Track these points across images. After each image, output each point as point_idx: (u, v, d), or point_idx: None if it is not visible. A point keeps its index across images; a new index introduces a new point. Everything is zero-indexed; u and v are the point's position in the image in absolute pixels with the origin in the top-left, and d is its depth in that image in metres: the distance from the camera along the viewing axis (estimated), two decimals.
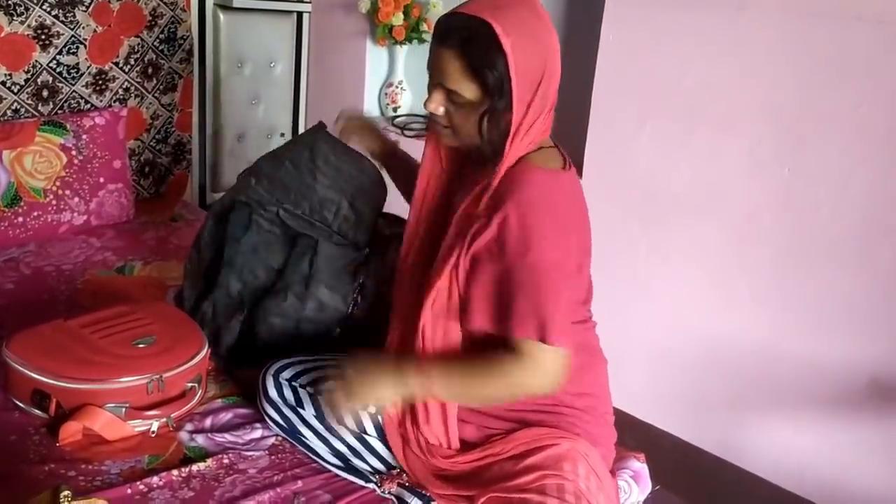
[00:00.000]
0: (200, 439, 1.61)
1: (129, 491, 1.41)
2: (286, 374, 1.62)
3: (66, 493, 1.17)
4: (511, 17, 1.30)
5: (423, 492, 1.49)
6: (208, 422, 1.68)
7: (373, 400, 1.39)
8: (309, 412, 1.57)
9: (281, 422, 1.60)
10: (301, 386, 1.59)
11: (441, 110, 1.39)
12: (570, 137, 2.68)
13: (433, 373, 1.39)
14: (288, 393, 1.60)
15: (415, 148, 2.92)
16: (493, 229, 1.34)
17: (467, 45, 1.30)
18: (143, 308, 1.82)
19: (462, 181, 1.52)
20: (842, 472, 2.07)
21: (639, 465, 1.62)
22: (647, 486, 1.62)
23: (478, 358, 1.41)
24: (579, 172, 2.50)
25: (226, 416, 1.70)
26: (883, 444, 1.99)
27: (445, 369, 1.41)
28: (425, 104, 1.40)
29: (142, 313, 1.77)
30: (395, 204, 1.89)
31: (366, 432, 1.53)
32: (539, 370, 1.35)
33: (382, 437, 1.53)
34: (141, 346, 1.66)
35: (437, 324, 1.44)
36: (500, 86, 1.31)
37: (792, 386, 2.13)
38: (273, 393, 1.60)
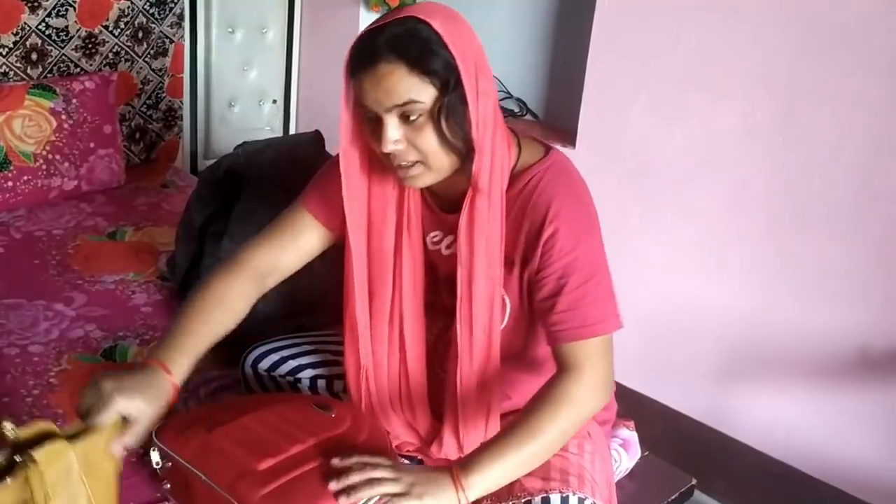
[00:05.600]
0: (194, 405, 1.62)
1: None
2: (264, 364, 1.60)
3: (8, 425, 1.05)
4: (424, 7, 1.19)
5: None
6: (202, 388, 1.69)
7: None
8: None
9: None
10: (280, 377, 1.59)
11: (401, 145, 1.19)
12: (564, 103, 2.68)
13: (491, 467, 1.18)
14: (268, 383, 1.60)
15: None
16: (546, 235, 1.24)
17: (398, 46, 1.15)
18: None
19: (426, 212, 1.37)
20: (828, 440, 2.09)
21: (628, 434, 1.63)
22: (637, 454, 1.64)
23: (532, 410, 1.23)
24: (573, 139, 2.49)
25: (216, 384, 1.71)
26: (871, 413, 2.01)
27: (503, 453, 1.20)
28: (381, 146, 1.19)
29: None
30: None
31: None
32: (605, 374, 1.25)
33: None
34: None
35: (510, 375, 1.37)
36: (449, 70, 1.16)
37: (781, 354, 2.15)
38: (254, 384, 1.61)
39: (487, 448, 1.21)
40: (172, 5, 2.84)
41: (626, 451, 1.60)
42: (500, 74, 2.84)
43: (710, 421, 2.29)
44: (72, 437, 1.08)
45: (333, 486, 1.14)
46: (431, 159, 1.21)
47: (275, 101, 3.42)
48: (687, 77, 2.21)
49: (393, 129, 1.18)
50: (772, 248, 2.13)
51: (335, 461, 1.18)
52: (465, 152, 1.21)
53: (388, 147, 1.18)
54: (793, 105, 2.04)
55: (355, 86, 1.19)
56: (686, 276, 2.31)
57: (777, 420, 2.17)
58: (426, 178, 1.24)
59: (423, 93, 1.16)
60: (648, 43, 2.27)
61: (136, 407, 1.14)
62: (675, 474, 1.68)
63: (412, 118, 1.17)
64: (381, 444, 1.28)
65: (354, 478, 1.14)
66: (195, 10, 3.02)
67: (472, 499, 1.17)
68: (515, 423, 1.22)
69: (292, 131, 3.46)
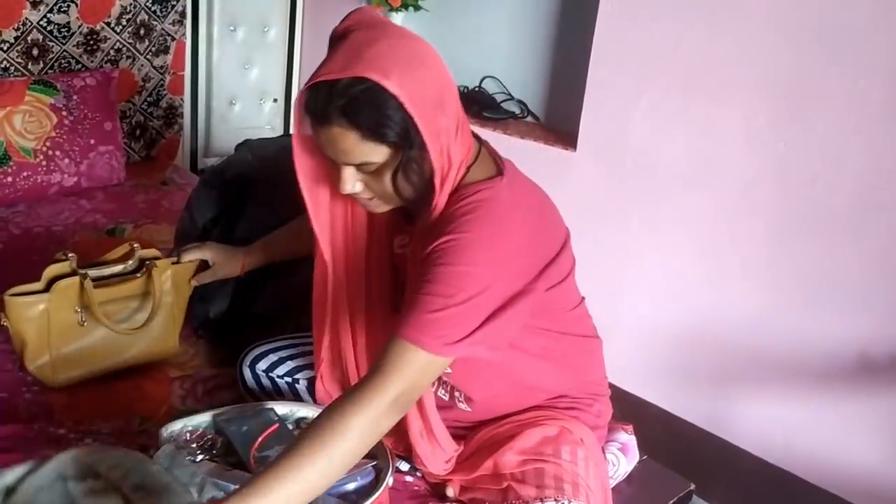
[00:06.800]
0: (192, 403, 1.61)
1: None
2: (262, 364, 1.61)
3: (136, 245, 1.70)
4: (380, 53, 1.12)
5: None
6: (199, 386, 1.68)
7: None
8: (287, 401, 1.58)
9: None
10: (279, 377, 1.60)
11: (358, 187, 1.20)
12: (565, 106, 2.68)
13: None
14: (266, 382, 1.60)
15: None
16: (438, 242, 1.17)
17: (351, 113, 1.11)
18: None
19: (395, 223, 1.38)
20: (827, 446, 2.08)
21: (626, 437, 1.62)
22: (635, 458, 1.62)
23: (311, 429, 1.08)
24: (573, 142, 2.49)
25: (214, 383, 1.71)
26: (870, 420, 2.00)
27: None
28: (339, 189, 1.21)
29: None
30: None
31: None
32: (401, 389, 1.10)
33: None
34: None
35: None
36: (406, 133, 1.13)
37: (780, 360, 2.14)
38: (251, 383, 1.61)
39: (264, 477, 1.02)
40: (174, 3, 2.84)
41: (624, 455, 1.59)
42: (501, 76, 2.83)
43: (709, 426, 2.28)
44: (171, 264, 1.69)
45: None
46: (388, 198, 1.23)
47: (275, 100, 3.42)
48: (689, 81, 2.21)
49: (349, 177, 1.19)
50: (772, 254, 2.12)
51: None
52: (422, 188, 1.21)
53: (346, 192, 1.21)
54: (795, 111, 2.04)
55: (312, 130, 1.19)
56: (686, 280, 2.30)
57: (776, 425, 2.16)
58: (384, 208, 1.27)
59: (377, 154, 1.15)
60: (650, 47, 2.27)
61: (216, 260, 1.70)
62: (673, 479, 1.67)
63: (369, 170, 1.18)
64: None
65: None
66: (197, 7, 3.02)
67: None
68: (294, 443, 1.06)
69: (292, 130, 3.45)
